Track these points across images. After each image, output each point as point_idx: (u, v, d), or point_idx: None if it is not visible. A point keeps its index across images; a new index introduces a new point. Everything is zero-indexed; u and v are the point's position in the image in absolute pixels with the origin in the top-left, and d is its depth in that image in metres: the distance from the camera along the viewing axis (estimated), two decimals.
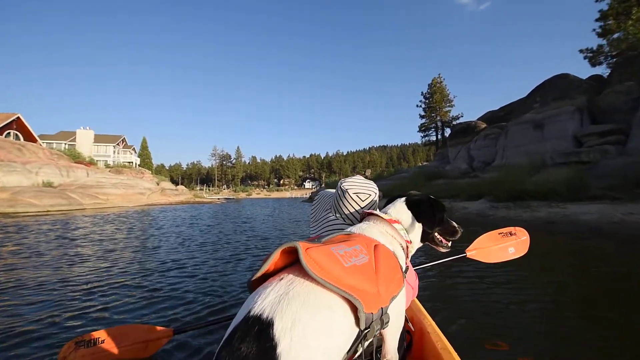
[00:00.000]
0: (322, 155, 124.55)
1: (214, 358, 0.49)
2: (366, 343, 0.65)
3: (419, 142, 41.45)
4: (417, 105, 34.71)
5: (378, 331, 0.67)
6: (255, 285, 0.63)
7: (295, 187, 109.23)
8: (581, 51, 19.07)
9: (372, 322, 0.63)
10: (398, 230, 0.89)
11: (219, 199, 49.82)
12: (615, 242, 5.41)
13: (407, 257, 0.91)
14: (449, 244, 1.00)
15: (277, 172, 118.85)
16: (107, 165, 35.61)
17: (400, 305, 0.78)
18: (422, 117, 34.48)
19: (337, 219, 1.13)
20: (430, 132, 34.81)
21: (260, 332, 0.49)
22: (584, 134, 11.63)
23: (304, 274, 0.58)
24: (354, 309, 0.60)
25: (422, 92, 34.55)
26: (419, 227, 0.94)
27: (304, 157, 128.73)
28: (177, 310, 2.53)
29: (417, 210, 0.94)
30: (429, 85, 34.06)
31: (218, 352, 0.49)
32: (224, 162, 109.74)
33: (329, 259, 0.61)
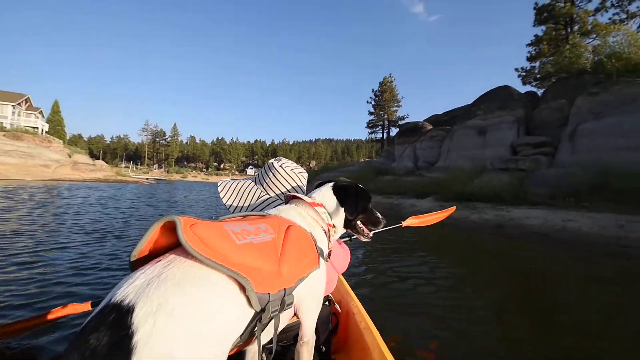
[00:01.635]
0: (268, 142, 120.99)
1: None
2: (270, 325, 0.62)
3: (363, 139, 42.42)
4: (367, 102, 35.19)
5: (276, 313, 0.61)
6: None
7: (237, 173, 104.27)
8: (516, 69, 20.96)
9: (269, 303, 0.58)
10: (320, 214, 0.87)
11: (147, 179, 44.58)
12: (557, 247, 5.55)
13: (329, 240, 0.88)
14: (371, 234, 1.00)
15: (217, 155, 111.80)
16: (1, 129, 28.60)
17: (315, 287, 0.75)
18: (371, 113, 35.08)
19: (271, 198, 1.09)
20: (377, 129, 35.65)
21: (116, 320, 0.42)
22: (520, 143, 12.48)
23: (187, 253, 0.51)
24: (244, 289, 0.55)
25: (373, 90, 35.10)
26: (342, 213, 0.91)
27: (249, 142, 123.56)
28: None
29: (342, 196, 0.92)
30: (380, 83, 34.67)
31: (66, 349, 0.42)
32: (157, 140, 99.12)
33: (219, 236, 0.56)
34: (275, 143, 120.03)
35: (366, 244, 5.49)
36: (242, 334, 0.57)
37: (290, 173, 1.11)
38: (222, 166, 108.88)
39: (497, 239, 6.74)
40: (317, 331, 0.99)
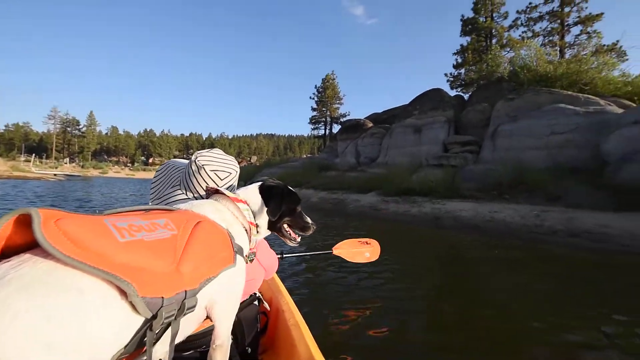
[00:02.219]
0: (205, 136, 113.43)
1: None
2: (167, 333, 0.55)
3: (306, 135, 42.55)
4: (310, 97, 35.16)
5: (174, 317, 0.55)
6: None
7: None
8: (446, 75, 22.91)
9: (162, 307, 0.51)
10: (242, 210, 0.83)
11: (55, 174, 37.96)
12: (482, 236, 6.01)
13: (249, 239, 0.83)
14: (298, 239, 0.96)
15: (145, 148, 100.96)
16: None
17: (231, 287, 0.71)
18: (313, 109, 35.16)
19: (188, 198, 0.98)
20: (320, 125, 35.92)
21: None
22: (450, 142, 13.55)
23: (48, 253, 0.44)
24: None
25: (316, 86, 35.18)
26: (267, 214, 0.89)
27: (182, 135, 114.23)
28: None
29: (267, 196, 0.89)
30: (322, 80, 34.89)
31: None
32: (69, 129, 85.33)
33: (94, 232, 0.49)
34: (213, 137, 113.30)
35: (311, 241, 5.20)
36: (128, 344, 0.50)
37: (222, 178, 0.99)
38: (150, 160, 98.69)
39: (435, 231, 7.05)
40: (243, 332, 1.01)
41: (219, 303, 0.67)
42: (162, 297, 0.52)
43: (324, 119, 35.31)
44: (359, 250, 2.34)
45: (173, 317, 0.55)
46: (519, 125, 11.36)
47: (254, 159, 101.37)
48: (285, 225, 0.94)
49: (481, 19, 19.76)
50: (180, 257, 0.57)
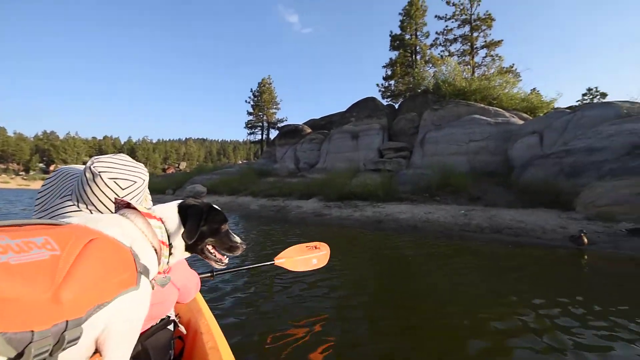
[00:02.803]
0: (123, 140, 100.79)
1: None
2: None
3: (241, 140, 41.08)
4: (245, 101, 33.99)
5: (48, 354, 0.46)
6: None
7: None
8: (377, 85, 24.35)
9: (31, 343, 0.43)
10: (153, 227, 0.72)
11: None
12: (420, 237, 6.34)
13: (159, 260, 0.73)
14: (225, 260, 0.87)
15: (44, 153, 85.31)
16: None
17: (129, 314, 0.61)
18: (249, 114, 34.06)
19: (80, 211, 0.82)
20: (256, 130, 34.94)
21: None
22: (385, 148, 14.31)
23: None
24: None
25: (251, 89, 34.22)
26: (182, 236, 0.78)
27: (94, 138, 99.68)
28: None
29: (185, 216, 0.78)
30: (258, 84, 34.12)
31: None
32: None
33: None
34: (134, 141, 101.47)
35: (252, 252, 4.75)
36: None
37: (123, 188, 0.84)
38: (52, 168, 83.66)
39: (378, 233, 7.16)
40: None
41: (114, 332, 0.58)
42: (32, 331, 0.44)
43: (260, 124, 34.46)
44: (306, 257, 2.15)
45: (47, 354, 0.46)
46: (443, 133, 12.52)
47: (183, 165, 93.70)
48: (210, 247, 0.86)
49: (407, 37, 21.65)
50: (62, 281, 0.49)
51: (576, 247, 4.91)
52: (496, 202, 8.92)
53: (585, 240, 4.83)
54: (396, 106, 17.88)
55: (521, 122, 11.72)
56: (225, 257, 0.89)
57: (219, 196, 14.80)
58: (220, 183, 16.51)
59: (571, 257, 4.68)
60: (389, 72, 22.93)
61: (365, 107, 16.61)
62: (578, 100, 16.71)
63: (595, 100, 18.40)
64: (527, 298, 2.87)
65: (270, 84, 34.48)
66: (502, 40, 19.59)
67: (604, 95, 17.52)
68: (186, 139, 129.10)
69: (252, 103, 34.00)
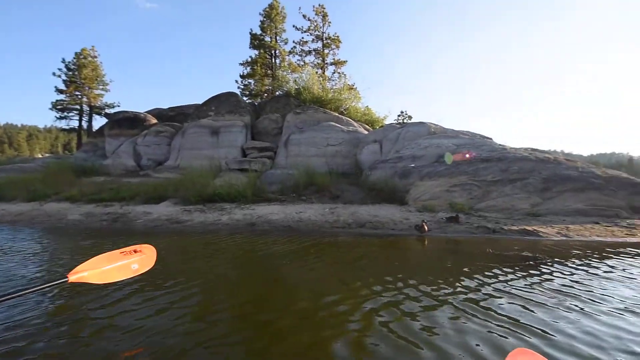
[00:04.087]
0: None
1: None
2: None
3: (42, 126, 30.57)
4: (54, 74, 25.28)
5: None
6: None
7: None
8: (237, 82, 23.40)
9: None
10: None
11: None
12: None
13: None
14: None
15: None
16: None
17: None
18: (61, 92, 25.53)
19: None
20: (70, 114, 26.61)
21: None
22: (249, 147, 13.80)
23: None
24: None
25: (64, 60, 25.74)
26: None
27: None
28: None
29: None
30: (76, 54, 26.10)
31: None
32: None
33: None
34: None
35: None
36: None
37: None
38: None
39: (252, 236, 6.63)
40: None
41: None
42: None
43: (78, 107, 26.48)
44: (121, 264, 1.90)
45: None
46: (305, 136, 13.23)
47: None
48: None
49: (267, 39, 21.87)
50: None
51: (420, 234, 6.06)
52: (353, 199, 10.11)
53: (426, 228, 6.04)
54: (257, 105, 17.62)
55: (365, 132, 13.89)
56: None
57: (6, 203, 10.13)
58: (10, 184, 11.41)
59: (416, 242, 5.76)
60: (249, 71, 22.47)
61: (226, 102, 15.48)
62: (395, 119, 21.54)
63: (406, 120, 24.35)
64: (380, 279, 3.35)
65: (95, 57, 27.10)
66: (346, 60, 22.94)
67: (409, 117, 23.36)
68: None
69: (64, 78, 25.63)
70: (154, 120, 17.90)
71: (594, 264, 3.85)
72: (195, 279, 3.51)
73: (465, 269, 3.74)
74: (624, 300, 2.67)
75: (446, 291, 3.00)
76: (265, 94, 22.17)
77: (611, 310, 2.47)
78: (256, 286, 3.38)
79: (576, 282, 3.20)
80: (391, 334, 2.17)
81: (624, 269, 3.64)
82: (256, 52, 21.96)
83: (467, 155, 9.45)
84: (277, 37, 22.06)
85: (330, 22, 22.65)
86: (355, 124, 14.19)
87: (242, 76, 23.93)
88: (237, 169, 12.31)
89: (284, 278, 3.68)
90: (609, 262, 3.97)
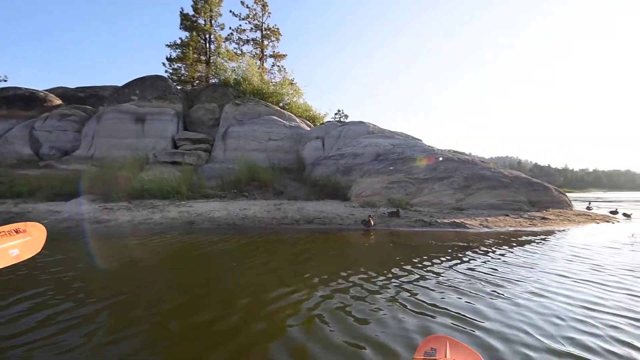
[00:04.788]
0: None
1: None
2: None
3: None
4: None
5: None
6: None
7: None
8: (164, 64, 21.09)
9: None
10: None
11: None
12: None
13: None
14: None
15: None
16: None
17: None
18: None
19: None
20: None
21: None
22: (181, 137, 12.60)
23: None
24: None
25: None
26: None
27: None
28: None
29: None
30: None
31: None
32: None
33: None
34: None
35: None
36: None
37: None
38: None
39: (190, 237, 6.08)
40: None
41: None
42: None
43: None
44: None
45: None
46: (245, 129, 12.66)
47: None
48: None
49: (201, 21, 20.13)
50: None
51: (366, 228, 6.35)
52: (297, 195, 10.07)
53: (372, 222, 6.35)
54: (189, 93, 16.14)
55: (308, 128, 13.94)
56: None
57: None
58: None
59: (363, 236, 6.02)
60: (179, 54, 20.42)
61: (154, 86, 13.81)
62: (333, 117, 22.00)
63: (342, 118, 25.15)
64: (326, 273, 3.45)
65: None
66: (286, 54, 22.60)
67: (346, 116, 24.21)
68: None
69: None
70: (58, 101, 15.02)
71: (509, 252, 4.54)
72: (118, 286, 3.05)
73: (406, 260, 4.00)
74: (534, 283, 3.18)
75: (385, 282, 3.15)
76: (198, 81, 20.48)
77: (523, 293, 2.89)
78: (190, 289, 3.10)
79: (494, 269, 3.67)
80: (332, 332, 2.14)
81: (530, 254, 4.40)
82: (187, 34, 20.03)
83: (440, 159, 9.94)
84: (213, 21, 20.50)
85: (270, 13, 22.03)
86: (297, 119, 14.12)
87: (169, 59, 21.61)
88: (168, 162, 11.14)
89: (222, 279, 3.44)
90: (519, 249, 4.75)
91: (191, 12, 20.10)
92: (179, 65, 20.76)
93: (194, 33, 19.92)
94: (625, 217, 8.97)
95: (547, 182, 10.29)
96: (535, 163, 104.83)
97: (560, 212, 7.96)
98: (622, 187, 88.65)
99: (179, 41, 20.74)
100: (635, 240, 5.48)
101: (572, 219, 7.48)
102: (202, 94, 14.64)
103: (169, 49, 21.46)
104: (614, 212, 9.81)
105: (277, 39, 22.28)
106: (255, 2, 21.60)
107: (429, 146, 11.23)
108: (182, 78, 20.82)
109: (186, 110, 13.96)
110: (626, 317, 2.34)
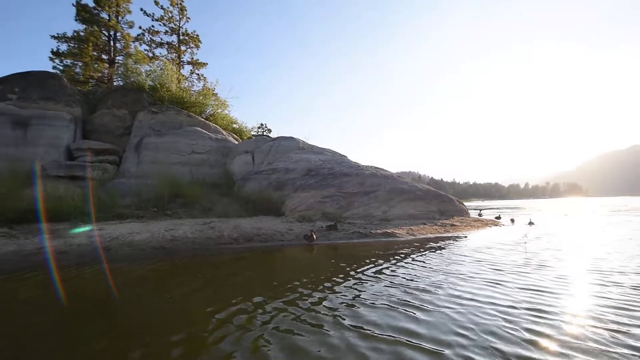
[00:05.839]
0: None
1: None
2: None
3: None
4: None
5: None
6: None
7: None
8: (52, 59, 17.62)
9: None
10: None
11: None
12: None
13: None
14: None
15: None
16: None
17: None
18: None
19: None
20: None
21: None
22: (81, 147, 10.64)
23: None
24: None
25: None
26: None
27: None
28: None
29: None
30: None
31: None
32: None
33: None
34: None
35: None
36: None
37: None
38: None
39: (110, 265, 5.16)
40: None
41: None
42: None
43: None
44: None
45: None
46: (165, 140, 11.48)
47: None
48: None
49: (104, 15, 17.53)
50: None
51: (309, 243, 6.46)
52: (227, 212, 9.54)
53: (315, 237, 6.50)
54: (90, 95, 13.76)
55: (235, 142, 13.44)
56: None
57: None
58: None
59: (305, 251, 6.13)
60: (73, 49, 17.33)
61: (42, 84, 11.31)
62: (256, 131, 21.57)
63: (266, 133, 24.90)
64: (258, 294, 3.35)
65: None
66: (207, 63, 21.43)
67: (269, 130, 24.07)
68: None
69: None
70: None
71: (429, 257, 5.26)
72: None
73: (349, 271, 4.31)
74: (457, 289, 3.80)
75: (323, 296, 3.29)
76: (98, 82, 17.67)
77: (445, 296, 3.46)
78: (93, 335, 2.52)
79: (416, 276, 4.17)
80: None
81: (450, 261, 5.22)
82: (84, 27, 17.16)
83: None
84: (119, 17, 18.09)
85: (189, 18, 20.67)
86: (223, 132, 13.49)
87: (57, 53, 18.08)
88: (63, 176, 9.26)
89: (133, 315, 3.00)
90: (437, 254, 5.58)
91: (91, 4, 17.41)
92: (72, 61, 17.60)
93: (95, 27, 17.24)
94: (511, 222, 11.28)
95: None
96: (432, 177, 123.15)
97: (462, 219, 9.58)
98: (492, 197, 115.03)
99: (70, 34, 17.66)
100: (528, 240, 6.96)
101: (472, 224, 9.10)
102: (109, 97, 12.68)
103: (56, 41, 18.04)
104: (498, 218, 12.24)
105: (197, 46, 21.03)
106: (171, 4, 20.05)
107: (354, 162, 12.14)
108: (77, 77, 17.68)
109: (86, 116, 11.89)
110: (524, 308, 3.00)
